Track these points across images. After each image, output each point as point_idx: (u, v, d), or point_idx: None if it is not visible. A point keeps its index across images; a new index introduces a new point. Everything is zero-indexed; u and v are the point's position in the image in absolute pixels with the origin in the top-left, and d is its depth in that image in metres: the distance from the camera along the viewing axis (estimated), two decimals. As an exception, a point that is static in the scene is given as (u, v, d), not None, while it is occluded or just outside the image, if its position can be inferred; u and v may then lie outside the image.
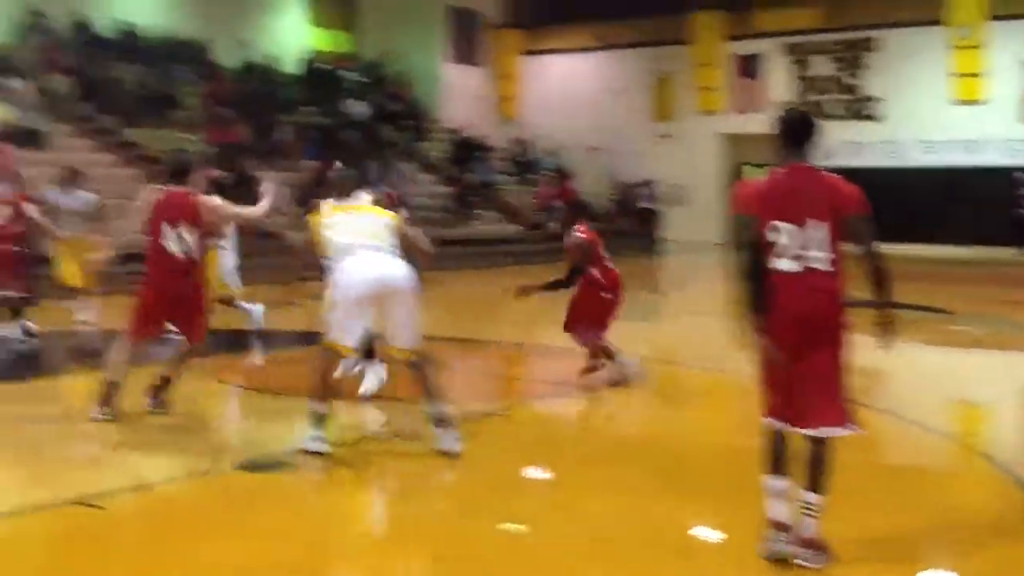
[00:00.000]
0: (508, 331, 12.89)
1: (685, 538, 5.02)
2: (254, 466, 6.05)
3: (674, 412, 8.31)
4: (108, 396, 7.02)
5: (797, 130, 4.46)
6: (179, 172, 7.34)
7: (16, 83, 19.28)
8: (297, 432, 6.42)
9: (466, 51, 30.78)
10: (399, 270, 6.31)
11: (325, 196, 6.72)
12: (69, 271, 10.65)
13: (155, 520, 5.25)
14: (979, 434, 8.09)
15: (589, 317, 8.60)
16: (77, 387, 8.66)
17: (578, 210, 9.12)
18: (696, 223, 28.08)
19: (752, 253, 4.41)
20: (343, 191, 6.69)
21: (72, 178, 10.82)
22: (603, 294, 8.61)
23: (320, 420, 6.23)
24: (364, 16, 29.59)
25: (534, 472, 6.26)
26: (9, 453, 6.52)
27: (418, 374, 6.42)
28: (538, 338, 12.30)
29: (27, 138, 17.87)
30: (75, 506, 5.20)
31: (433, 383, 6.41)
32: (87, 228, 10.53)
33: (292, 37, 27.43)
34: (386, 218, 6.57)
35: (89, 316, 10.62)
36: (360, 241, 6.31)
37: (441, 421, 6.32)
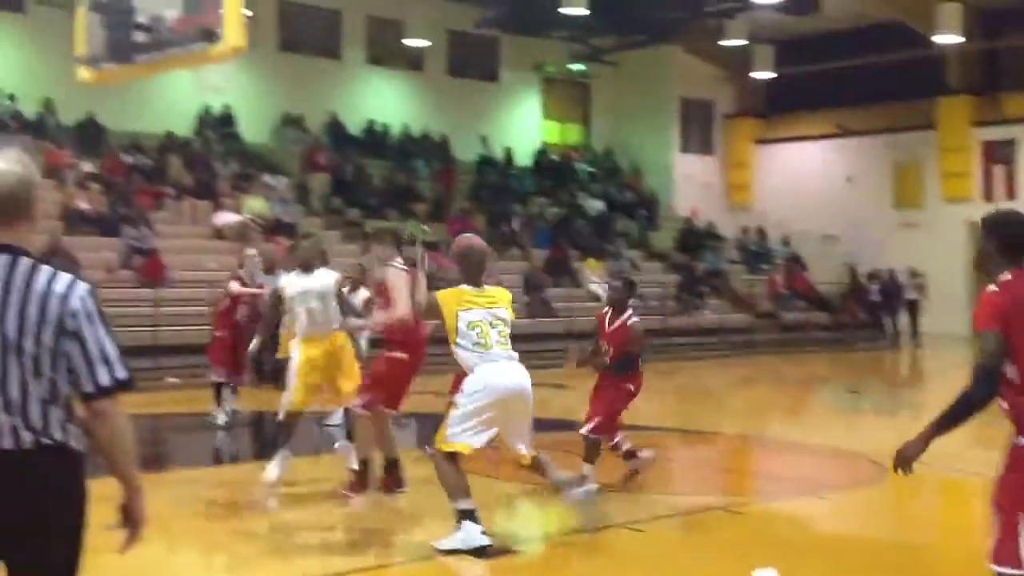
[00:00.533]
0: (737, 423, 12.61)
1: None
2: (481, 552, 6.14)
3: (918, 515, 7.86)
4: (362, 476, 7.28)
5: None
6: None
7: (274, 180, 20.76)
8: (526, 519, 6.48)
9: (698, 140, 30.84)
10: (526, 378, 6.12)
11: (461, 276, 6.27)
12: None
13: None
14: None
15: (616, 413, 7.87)
16: (320, 468, 9.06)
17: (631, 289, 8.19)
18: (940, 315, 26.66)
19: (995, 378, 3.78)
20: (475, 274, 6.22)
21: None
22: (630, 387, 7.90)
23: (471, 515, 5.97)
24: (596, 109, 30.22)
25: (764, 573, 6.06)
26: (256, 529, 6.89)
27: (539, 470, 6.25)
28: (767, 431, 11.98)
29: (281, 230, 19.19)
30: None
31: (551, 469, 6.25)
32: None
33: (526, 130, 28.32)
34: (506, 309, 6.21)
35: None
36: (496, 344, 6.03)
37: (566, 483, 6.32)
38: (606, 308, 8.06)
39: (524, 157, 27.08)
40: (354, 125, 24.51)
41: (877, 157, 29.14)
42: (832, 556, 6.46)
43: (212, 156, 21.07)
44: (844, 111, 29.37)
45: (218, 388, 11.01)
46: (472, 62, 27.21)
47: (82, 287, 2.86)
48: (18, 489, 2.79)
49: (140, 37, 6.25)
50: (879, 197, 28.98)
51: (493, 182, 25.15)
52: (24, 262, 2.83)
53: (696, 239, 26.53)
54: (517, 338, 6.17)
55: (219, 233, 19.06)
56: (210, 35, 5.78)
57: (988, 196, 27.14)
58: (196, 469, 9.14)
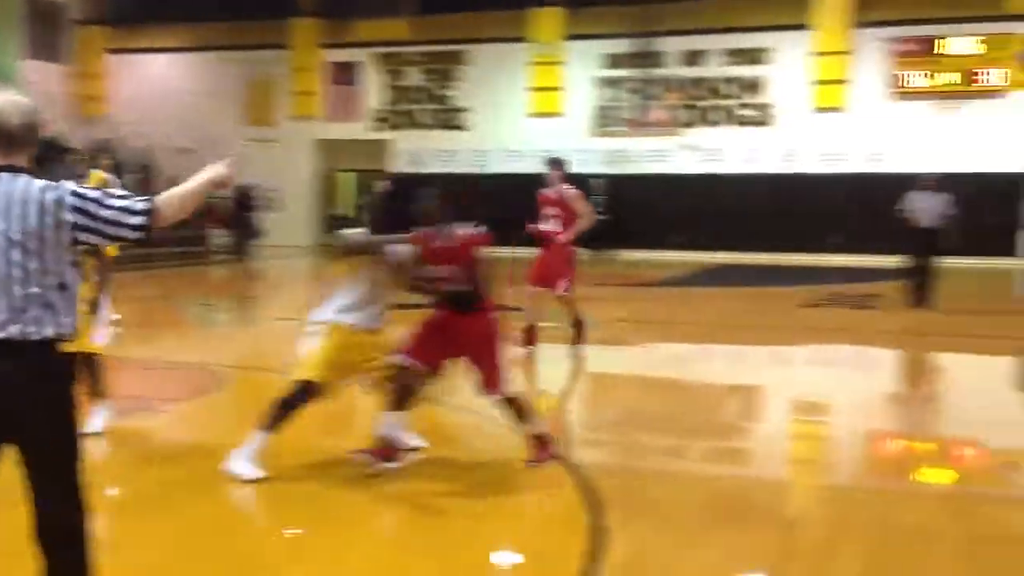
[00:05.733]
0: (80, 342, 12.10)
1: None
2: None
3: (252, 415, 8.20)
4: None
5: None
6: None
7: None
8: None
9: (48, 47, 28.75)
10: None
11: None
12: None
13: None
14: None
15: None
16: None
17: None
18: (291, 228, 28.10)
19: None
20: None
21: None
22: None
23: None
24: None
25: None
26: None
27: None
28: (113, 350, 11.71)
29: None
30: None
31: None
32: None
33: None
34: None
35: None
36: None
37: None
38: None
39: None
40: None
41: (232, 73, 29.52)
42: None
43: None
44: (201, 25, 29.28)
45: None
46: None
47: (69, 185, 3.24)
48: (19, 373, 3.10)
49: None
50: (234, 113, 29.46)
51: None
52: (24, 177, 3.25)
53: (42, 150, 24.75)
54: None
55: None
56: None
57: (334, 115, 28.93)
58: None
